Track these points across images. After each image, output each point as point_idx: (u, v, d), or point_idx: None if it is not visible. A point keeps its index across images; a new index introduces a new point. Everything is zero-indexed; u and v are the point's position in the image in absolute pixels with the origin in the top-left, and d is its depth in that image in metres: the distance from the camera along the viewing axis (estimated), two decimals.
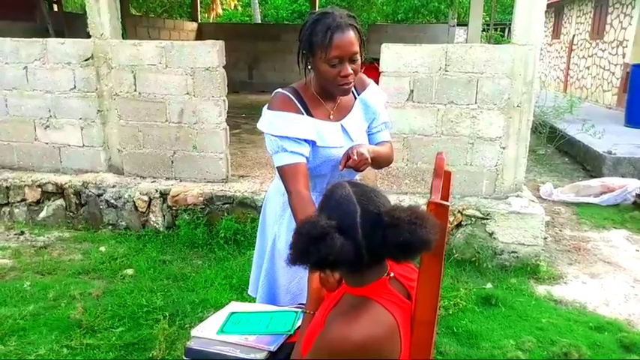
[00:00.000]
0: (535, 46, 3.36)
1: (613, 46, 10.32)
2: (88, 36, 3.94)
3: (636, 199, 4.69)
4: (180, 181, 4.01)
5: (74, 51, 3.94)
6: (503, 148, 3.52)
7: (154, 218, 3.90)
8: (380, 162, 1.75)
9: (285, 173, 1.63)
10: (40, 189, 4.09)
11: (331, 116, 1.73)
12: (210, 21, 17.97)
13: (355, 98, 1.79)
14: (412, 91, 3.52)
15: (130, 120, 3.98)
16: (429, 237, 1.08)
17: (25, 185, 4.10)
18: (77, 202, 4.04)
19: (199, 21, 12.40)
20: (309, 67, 1.65)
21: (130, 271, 3.30)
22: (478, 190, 3.62)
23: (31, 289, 3.07)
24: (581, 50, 12.28)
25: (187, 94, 3.81)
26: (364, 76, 1.81)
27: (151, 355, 2.44)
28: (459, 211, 3.48)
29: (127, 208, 3.93)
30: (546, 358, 2.52)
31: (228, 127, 3.92)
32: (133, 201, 3.90)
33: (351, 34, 1.56)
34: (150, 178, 4.07)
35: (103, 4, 3.81)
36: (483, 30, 12.75)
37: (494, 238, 3.46)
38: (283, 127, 1.63)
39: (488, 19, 15.59)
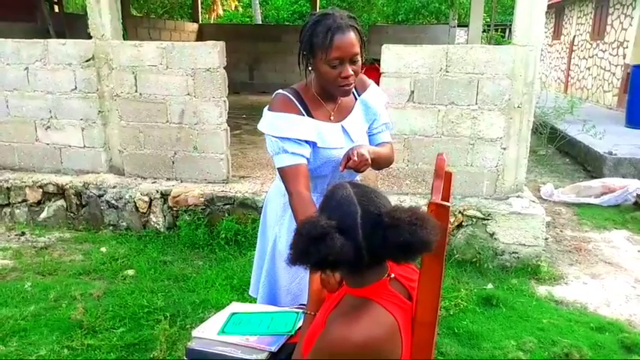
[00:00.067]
0: (536, 46, 3.36)
1: (613, 47, 10.32)
2: (89, 37, 3.95)
3: (637, 200, 4.68)
4: (181, 181, 4.02)
5: (75, 52, 3.95)
6: (504, 148, 3.52)
7: (154, 219, 3.91)
8: (380, 163, 1.75)
9: (285, 174, 1.63)
10: (40, 190, 4.09)
11: (332, 117, 1.73)
12: (211, 22, 17.99)
13: (356, 99, 1.79)
14: (413, 92, 3.52)
15: (130, 121, 3.99)
16: (429, 238, 1.08)
17: (26, 186, 4.11)
18: (78, 202, 4.04)
19: (200, 22, 12.41)
20: (310, 68, 1.65)
21: (130, 272, 3.30)
22: (479, 190, 3.62)
23: (31, 290, 3.07)
24: (582, 51, 12.28)
25: (188, 94, 3.82)
26: (365, 77, 1.81)
27: (151, 355, 2.44)
28: (459, 212, 3.48)
29: (127, 209, 3.94)
30: (547, 358, 2.51)
31: (228, 128, 3.93)
32: (134, 202, 3.91)
33: (352, 35, 1.56)
34: (151, 178, 4.07)
35: (104, 5, 3.82)
36: (484, 31, 12.74)
37: (495, 238, 3.46)
38: (284, 128, 1.63)
39: (488, 19, 15.58)
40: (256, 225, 2.47)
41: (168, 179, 4.05)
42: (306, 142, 1.65)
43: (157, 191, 3.88)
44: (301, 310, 1.54)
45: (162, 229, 3.90)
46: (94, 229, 4.01)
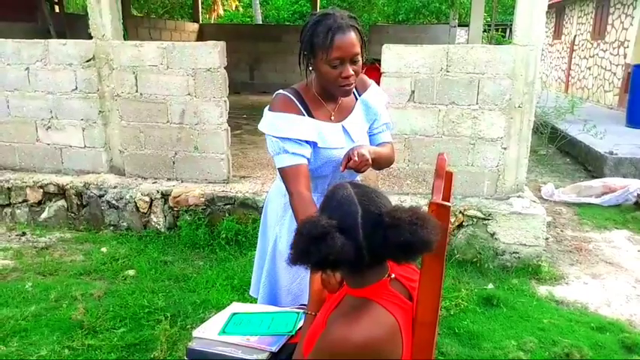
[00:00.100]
0: (536, 46, 3.36)
1: (614, 47, 10.32)
2: (90, 37, 3.95)
3: (638, 200, 4.68)
4: (182, 181, 4.02)
5: (76, 52, 3.95)
6: (505, 148, 3.52)
7: (155, 219, 3.91)
8: (381, 163, 1.75)
9: (286, 174, 1.63)
10: (41, 190, 4.09)
11: (332, 117, 1.73)
12: (212, 22, 18.00)
13: (356, 99, 1.79)
14: (413, 92, 3.52)
15: (131, 121, 3.99)
16: (430, 237, 1.08)
17: (27, 186, 4.11)
18: (79, 202, 4.04)
19: (200, 22, 12.42)
20: (311, 68, 1.65)
21: (131, 272, 3.30)
22: (479, 190, 3.62)
23: (32, 290, 3.07)
24: (583, 51, 12.27)
25: (189, 94, 3.82)
26: (365, 77, 1.81)
27: (152, 355, 2.44)
28: (460, 212, 3.48)
29: (128, 209, 3.94)
30: (548, 358, 2.51)
31: (229, 128, 3.93)
32: (135, 202, 3.91)
33: (352, 35, 1.56)
34: (151, 178, 4.07)
35: (104, 5, 3.82)
36: (484, 30, 12.73)
37: (496, 238, 3.46)
38: (284, 128, 1.63)
39: (489, 19, 15.58)
40: (257, 225, 2.48)
41: (168, 179, 4.05)
42: (307, 142, 1.65)
43: (158, 191, 3.88)
44: (302, 311, 1.54)
45: (162, 229, 3.90)
46: (95, 230, 4.01)
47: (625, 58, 9.72)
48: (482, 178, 3.60)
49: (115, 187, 3.97)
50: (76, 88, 4.02)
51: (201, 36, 11.70)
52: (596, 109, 9.84)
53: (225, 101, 3.81)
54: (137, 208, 3.92)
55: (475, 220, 3.47)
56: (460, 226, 3.50)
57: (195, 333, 1.55)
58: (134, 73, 3.87)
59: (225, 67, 3.78)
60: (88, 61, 3.94)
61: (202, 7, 13.79)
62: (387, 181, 3.70)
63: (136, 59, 3.84)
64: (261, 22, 19.63)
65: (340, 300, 1.26)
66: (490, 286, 3.23)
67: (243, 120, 7.30)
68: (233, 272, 3.24)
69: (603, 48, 10.90)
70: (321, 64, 1.59)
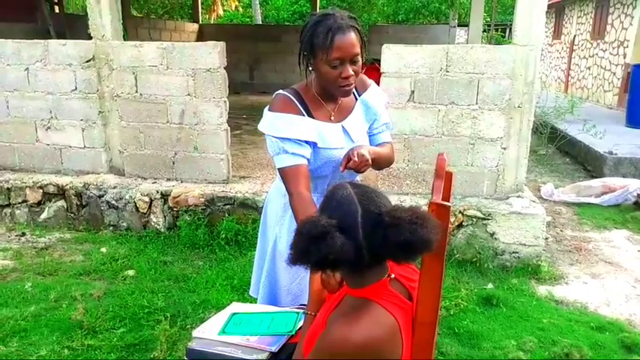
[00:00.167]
0: (536, 46, 3.36)
1: (614, 47, 10.32)
2: (90, 37, 3.95)
3: (637, 200, 4.68)
4: (182, 182, 4.02)
5: (75, 52, 3.95)
6: (504, 148, 3.52)
7: (154, 219, 3.91)
8: (381, 163, 1.75)
9: (286, 175, 1.63)
10: (41, 190, 4.09)
11: (332, 117, 1.73)
12: (211, 22, 18.00)
13: (356, 99, 1.79)
14: (413, 92, 3.52)
15: (131, 121, 3.99)
16: (429, 237, 1.08)
17: (27, 186, 4.11)
18: (78, 203, 4.04)
19: (200, 22, 12.41)
20: (310, 68, 1.65)
21: (131, 272, 3.30)
22: (479, 190, 3.62)
23: (32, 290, 3.07)
24: (582, 50, 12.28)
25: (188, 95, 3.82)
26: (365, 77, 1.81)
27: (152, 356, 2.44)
28: (460, 212, 3.48)
29: (128, 209, 3.94)
30: (548, 358, 2.51)
31: (229, 128, 3.93)
32: (134, 202, 3.91)
33: (352, 36, 1.56)
34: (151, 179, 4.07)
35: (104, 6, 3.82)
36: (484, 30, 12.74)
37: (496, 238, 3.46)
38: (284, 128, 1.63)
39: (489, 19, 15.59)
40: (256, 225, 2.48)
41: (168, 179, 4.05)
42: (307, 142, 1.65)
43: (158, 191, 3.88)
44: (302, 311, 1.54)
45: (162, 230, 3.90)
46: (95, 230, 4.01)
47: (625, 57, 9.72)
48: (481, 178, 3.60)
49: (114, 188, 3.96)
50: (76, 88, 4.02)
51: (201, 36, 11.70)
52: (595, 109, 9.85)
53: (224, 101, 3.81)
54: (137, 209, 3.92)
55: (475, 220, 3.47)
56: (460, 226, 3.50)
57: (195, 333, 1.55)
58: (134, 73, 3.87)
59: (224, 68, 3.78)
60: (87, 61, 3.94)
61: (202, 8, 13.79)
62: (386, 181, 3.70)
63: (135, 59, 3.84)
64: (260, 23, 19.63)
65: (340, 300, 1.26)
66: (490, 285, 3.23)
67: (242, 120, 7.30)
68: (233, 272, 3.24)
69: (603, 48, 10.91)
70: (321, 65, 1.59)
